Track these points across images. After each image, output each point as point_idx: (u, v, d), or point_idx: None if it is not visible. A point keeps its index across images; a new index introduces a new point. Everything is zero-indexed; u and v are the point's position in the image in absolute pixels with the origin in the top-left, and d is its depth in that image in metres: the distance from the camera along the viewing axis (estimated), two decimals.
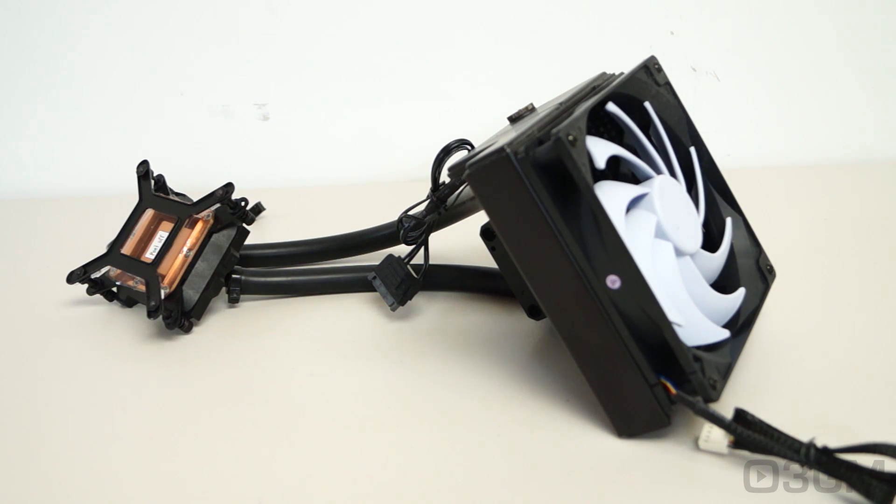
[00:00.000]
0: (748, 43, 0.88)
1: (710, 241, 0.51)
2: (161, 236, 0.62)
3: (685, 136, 0.53)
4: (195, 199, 0.63)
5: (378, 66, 0.89)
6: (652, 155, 0.50)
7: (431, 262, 0.60)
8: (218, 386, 0.54)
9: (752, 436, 0.42)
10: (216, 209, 0.61)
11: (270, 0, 0.87)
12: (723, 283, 0.50)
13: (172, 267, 0.59)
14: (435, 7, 0.87)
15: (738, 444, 0.42)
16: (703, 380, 0.42)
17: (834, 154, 0.89)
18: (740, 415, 0.43)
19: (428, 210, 0.58)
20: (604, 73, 0.58)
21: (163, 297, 0.58)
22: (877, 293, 0.60)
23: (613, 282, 0.42)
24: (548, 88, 0.63)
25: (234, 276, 0.62)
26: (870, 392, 0.49)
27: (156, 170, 0.66)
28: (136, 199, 0.65)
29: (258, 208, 0.81)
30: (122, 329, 0.61)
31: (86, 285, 0.62)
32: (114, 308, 0.64)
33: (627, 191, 0.46)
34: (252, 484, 0.44)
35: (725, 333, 0.46)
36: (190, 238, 0.60)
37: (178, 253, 0.60)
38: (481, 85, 0.89)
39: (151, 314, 0.57)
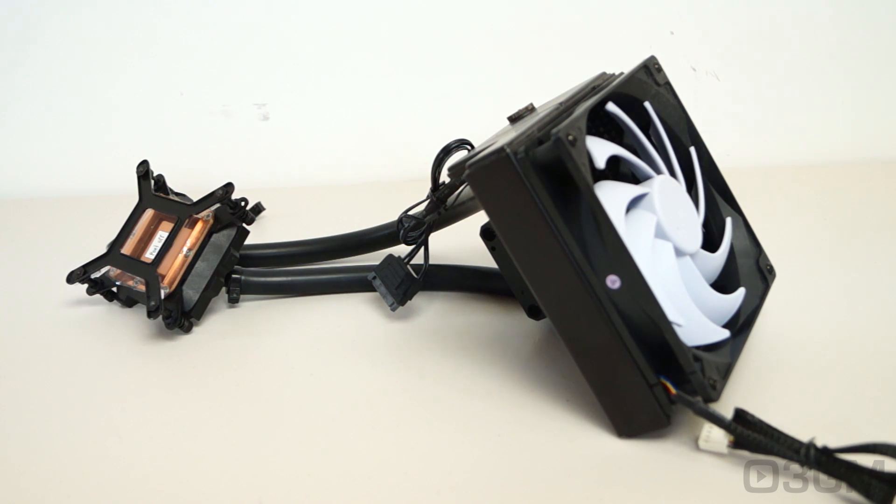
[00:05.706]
0: (748, 43, 0.88)
1: (710, 241, 0.51)
2: (161, 236, 0.62)
3: (685, 136, 0.53)
4: (195, 199, 0.63)
5: (378, 65, 0.89)
6: (652, 155, 0.50)
7: (431, 262, 0.60)
8: (218, 386, 0.54)
9: (752, 436, 0.42)
10: (216, 209, 0.61)
11: (270, 0, 0.87)
12: (723, 283, 0.50)
13: (172, 267, 0.59)
14: (435, 7, 0.87)
15: (738, 444, 0.42)
16: (703, 380, 0.42)
17: (833, 154, 0.89)
18: (740, 415, 0.43)
19: (428, 210, 0.58)
20: (604, 73, 0.58)
21: (163, 297, 0.58)
22: (876, 293, 0.60)
23: (613, 282, 0.42)
24: (548, 88, 0.63)
25: (234, 276, 0.62)
26: (870, 392, 0.49)
27: (156, 170, 0.66)
28: (136, 199, 0.65)
29: (258, 208, 0.81)
30: (122, 329, 0.61)
31: (86, 285, 0.62)
32: (114, 308, 0.64)
33: (627, 191, 0.46)
34: (252, 484, 0.44)
35: (725, 333, 0.46)
36: (190, 238, 0.60)
37: (177, 253, 0.60)
38: (481, 85, 0.89)
39: (151, 314, 0.57)
